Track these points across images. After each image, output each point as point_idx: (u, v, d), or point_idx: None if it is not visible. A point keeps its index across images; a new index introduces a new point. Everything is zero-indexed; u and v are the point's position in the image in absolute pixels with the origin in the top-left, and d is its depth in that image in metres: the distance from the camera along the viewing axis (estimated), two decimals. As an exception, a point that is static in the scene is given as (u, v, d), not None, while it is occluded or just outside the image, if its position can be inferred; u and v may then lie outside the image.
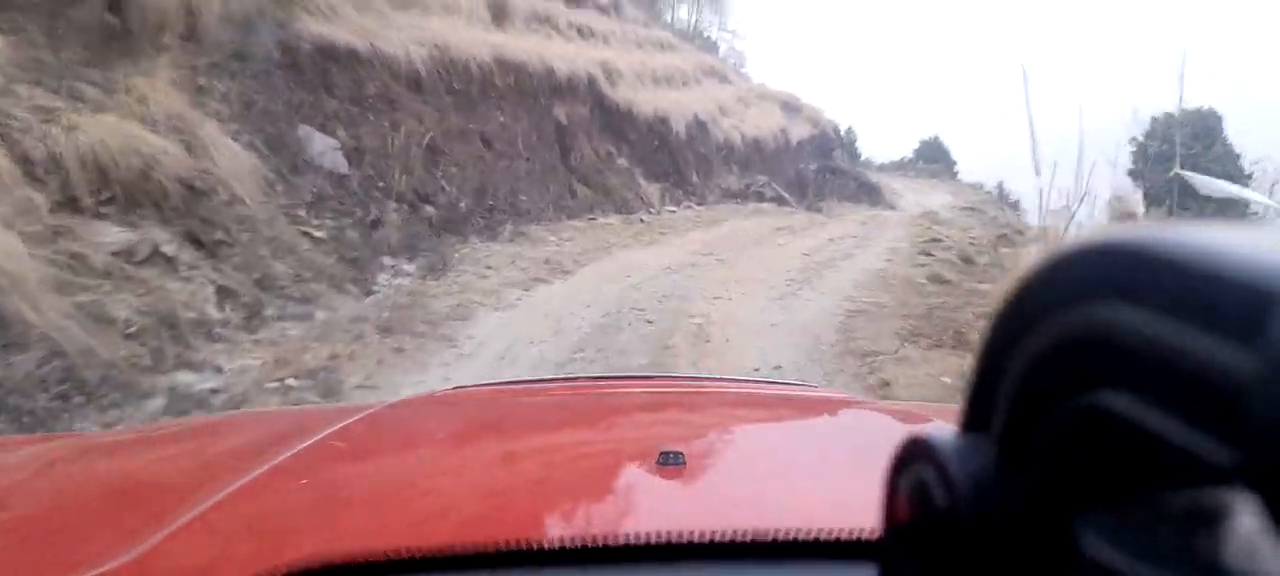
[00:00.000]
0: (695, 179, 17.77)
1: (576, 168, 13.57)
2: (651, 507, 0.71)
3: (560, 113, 13.64)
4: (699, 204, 17.07)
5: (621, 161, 15.10)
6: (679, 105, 18.28)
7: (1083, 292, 0.22)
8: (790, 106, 29.18)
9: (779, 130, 25.68)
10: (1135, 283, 0.20)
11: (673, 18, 35.00)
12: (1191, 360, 0.18)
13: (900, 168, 38.99)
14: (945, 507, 0.24)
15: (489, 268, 8.03)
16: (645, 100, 16.57)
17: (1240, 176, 24.33)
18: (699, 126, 18.76)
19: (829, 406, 1.39)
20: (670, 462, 0.74)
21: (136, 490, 0.91)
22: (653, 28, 25.48)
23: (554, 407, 1.33)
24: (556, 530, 0.61)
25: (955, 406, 0.36)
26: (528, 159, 11.78)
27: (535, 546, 0.56)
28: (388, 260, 7.80)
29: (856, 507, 0.56)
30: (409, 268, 7.70)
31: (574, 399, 1.40)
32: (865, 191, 25.99)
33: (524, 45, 12.52)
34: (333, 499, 0.77)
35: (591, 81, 14.77)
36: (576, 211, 12.39)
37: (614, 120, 15.39)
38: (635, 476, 0.79)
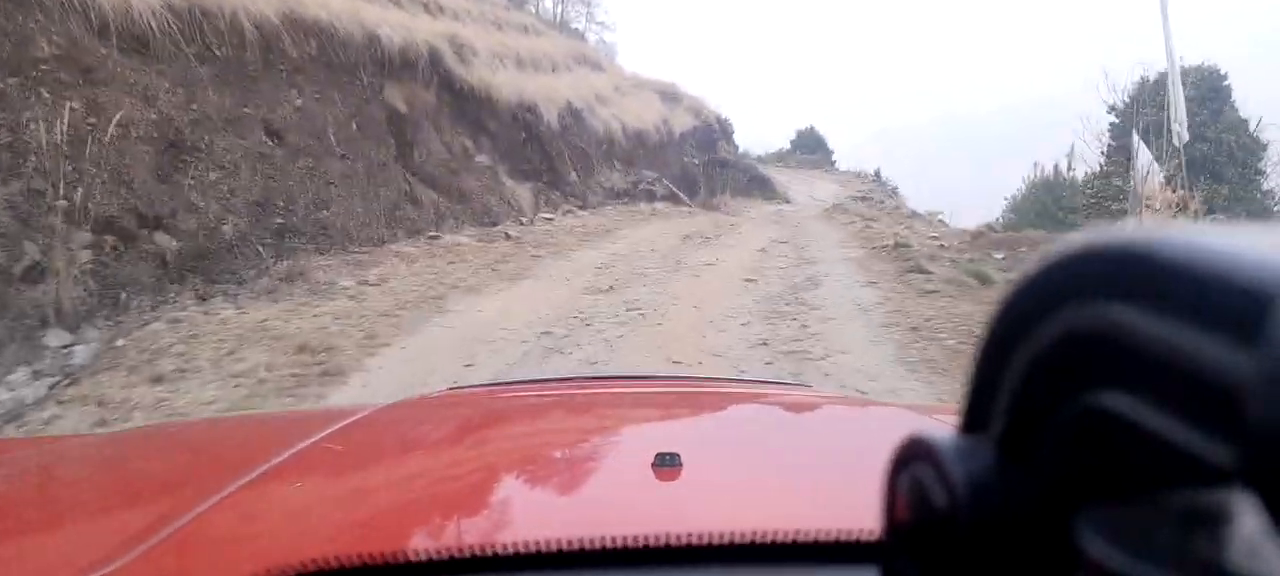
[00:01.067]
0: (573, 177, 14.73)
1: (420, 168, 10.25)
2: (648, 509, 0.69)
3: (395, 96, 10.28)
4: (581, 207, 14.06)
5: (481, 158, 11.87)
6: (549, 91, 15.18)
7: (1082, 293, 0.21)
8: (670, 96, 26.55)
9: (661, 121, 22.95)
10: (1135, 283, 0.20)
11: (537, 9, 32.09)
12: (1191, 360, 0.18)
13: (779, 159, 37.41)
14: (944, 508, 0.24)
15: (182, 354, 4.30)
16: (507, 84, 13.35)
17: (1258, 150, 20.22)
18: (574, 116, 15.73)
19: (827, 406, 1.40)
20: (667, 464, 0.72)
21: (136, 491, 0.90)
22: (514, 12, 22.31)
23: (550, 409, 1.31)
24: (553, 532, 0.57)
25: (955, 407, 0.33)
26: (345, 156, 8.38)
27: (531, 548, 0.55)
28: (53, 338, 4.35)
29: (855, 508, 0.56)
30: (81, 352, 4.28)
31: (570, 400, 1.39)
32: (757, 184, 23.71)
33: (333, 4, 9.08)
34: (330, 500, 0.76)
35: (436, 58, 11.44)
36: (420, 225, 9.09)
37: (469, 107, 12.14)
38: (631, 478, 0.77)
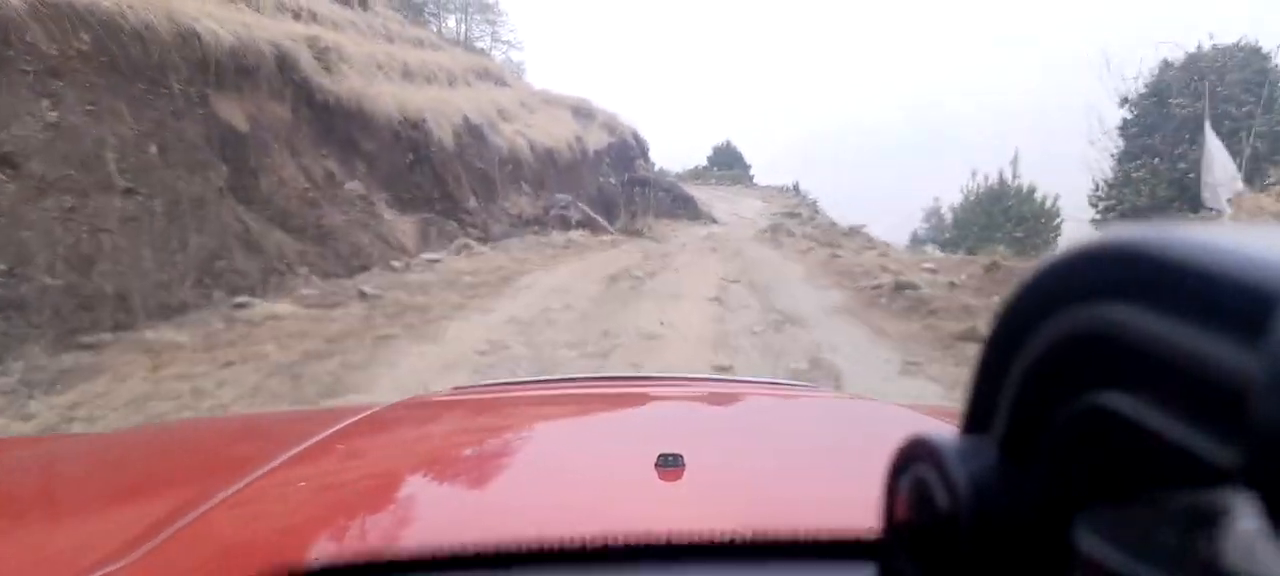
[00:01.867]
0: (472, 204, 12.51)
1: (268, 200, 7.93)
2: (651, 508, 0.68)
3: (230, 110, 7.90)
4: (482, 239, 11.87)
5: (352, 185, 9.56)
6: (441, 105, 12.93)
7: (1084, 293, 0.21)
8: (583, 112, 24.53)
9: (574, 138, 20.88)
10: (1137, 283, 0.20)
11: (440, 29, 29.76)
12: (1193, 361, 0.18)
13: (697, 175, 35.94)
14: (946, 508, 0.24)
15: None
16: (387, 96, 11.07)
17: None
18: (473, 133, 13.52)
19: (829, 406, 1.41)
20: (669, 464, 0.72)
21: (138, 491, 0.90)
22: (410, 28, 19.97)
23: (553, 408, 1.30)
24: (555, 531, 0.56)
25: (956, 407, 0.35)
26: (132, 192, 5.98)
27: (534, 548, 0.55)
28: None
29: (856, 507, 0.54)
30: None
31: (574, 399, 1.39)
32: (680, 204, 21.89)
33: (125, -12, 6.67)
34: (332, 500, 0.76)
35: (287, 64, 9.09)
36: (252, 280, 6.75)
37: (337, 123, 9.82)
38: (634, 477, 0.76)
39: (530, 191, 15.35)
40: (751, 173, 40.39)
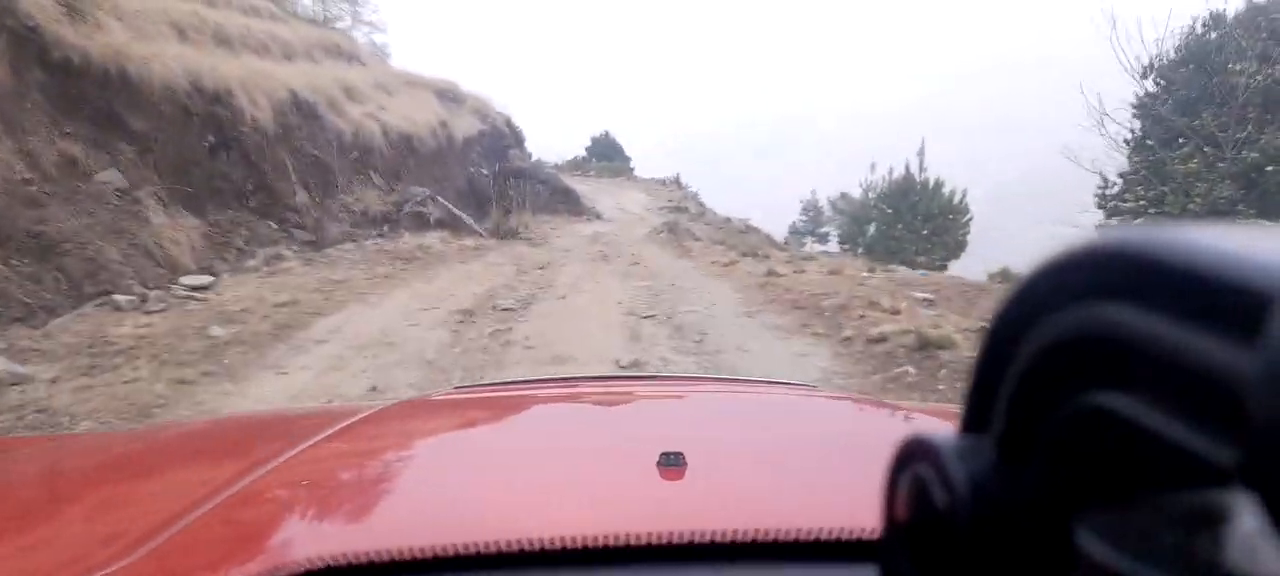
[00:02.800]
0: (301, 199, 9.92)
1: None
2: (653, 508, 0.68)
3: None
4: (311, 245, 9.33)
5: (108, 176, 6.87)
6: (261, 78, 10.23)
7: (1083, 293, 0.21)
8: (450, 96, 21.86)
9: (438, 124, 18.26)
10: (1135, 283, 0.20)
11: (297, 8, 26.24)
12: (1192, 360, 0.18)
13: (576, 167, 33.84)
14: (945, 508, 0.24)
15: None
16: (169, 61, 8.35)
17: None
18: (304, 114, 10.84)
19: (828, 405, 1.40)
20: (671, 463, 0.72)
21: (138, 492, 0.89)
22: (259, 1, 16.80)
23: (554, 408, 1.29)
24: (557, 531, 0.56)
25: (956, 407, 0.34)
26: None
27: (536, 547, 0.54)
28: None
29: (856, 507, 0.56)
30: None
31: (574, 400, 1.38)
32: (559, 198, 19.71)
33: None
34: (332, 500, 0.75)
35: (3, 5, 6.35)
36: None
37: (89, 93, 7.12)
38: (636, 477, 0.76)
39: (382, 184, 12.78)
40: (632, 165, 38.60)
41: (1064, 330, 0.22)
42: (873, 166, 21.72)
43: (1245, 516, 0.18)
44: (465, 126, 20.84)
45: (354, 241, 10.03)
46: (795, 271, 8.97)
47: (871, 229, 20.60)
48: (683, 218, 17.79)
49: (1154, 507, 0.20)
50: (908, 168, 20.31)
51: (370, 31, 32.23)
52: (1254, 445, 0.16)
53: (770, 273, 8.63)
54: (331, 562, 0.53)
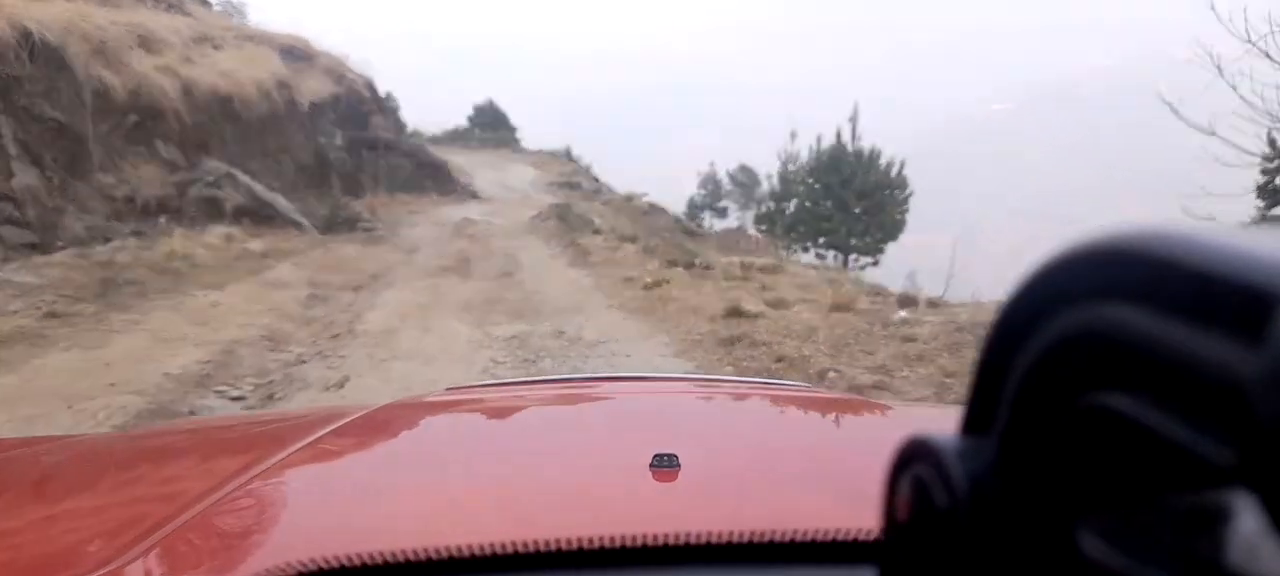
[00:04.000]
0: (22, 184, 6.79)
1: None
2: (646, 509, 0.67)
3: None
4: (38, 248, 6.32)
5: None
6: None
7: (1084, 293, 0.21)
8: (297, 54, 18.35)
9: (274, 85, 14.91)
10: (1137, 283, 0.20)
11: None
12: (1193, 360, 0.18)
13: (456, 138, 30.59)
14: (945, 508, 0.24)
15: None
16: None
17: None
18: (42, 61, 7.66)
19: (827, 405, 1.35)
20: (664, 464, 0.70)
21: (135, 493, 0.89)
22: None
23: (548, 409, 1.27)
24: (550, 532, 0.56)
25: (956, 407, 0.34)
26: None
27: (529, 549, 0.54)
28: None
29: (855, 508, 0.56)
30: None
31: (568, 400, 1.36)
32: (428, 173, 16.71)
33: None
34: (329, 501, 0.75)
35: None
36: None
37: None
38: (629, 478, 0.74)
39: (177, 158, 9.63)
40: (518, 136, 35.46)
41: (1066, 330, 0.21)
42: (794, 135, 19.39)
43: (1246, 517, 0.18)
44: (315, 88, 17.42)
45: (108, 239, 6.98)
46: (772, 302, 5.86)
47: (791, 206, 18.43)
48: (576, 198, 15.22)
49: (1155, 508, 0.20)
50: (838, 136, 17.82)
51: (222, -10, 27.68)
52: (1256, 446, 0.16)
53: (734, 311, 5.37)
54: (324, 564, 0.52)
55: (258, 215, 8.42)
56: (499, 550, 0.53)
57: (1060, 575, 0.22)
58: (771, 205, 19.36)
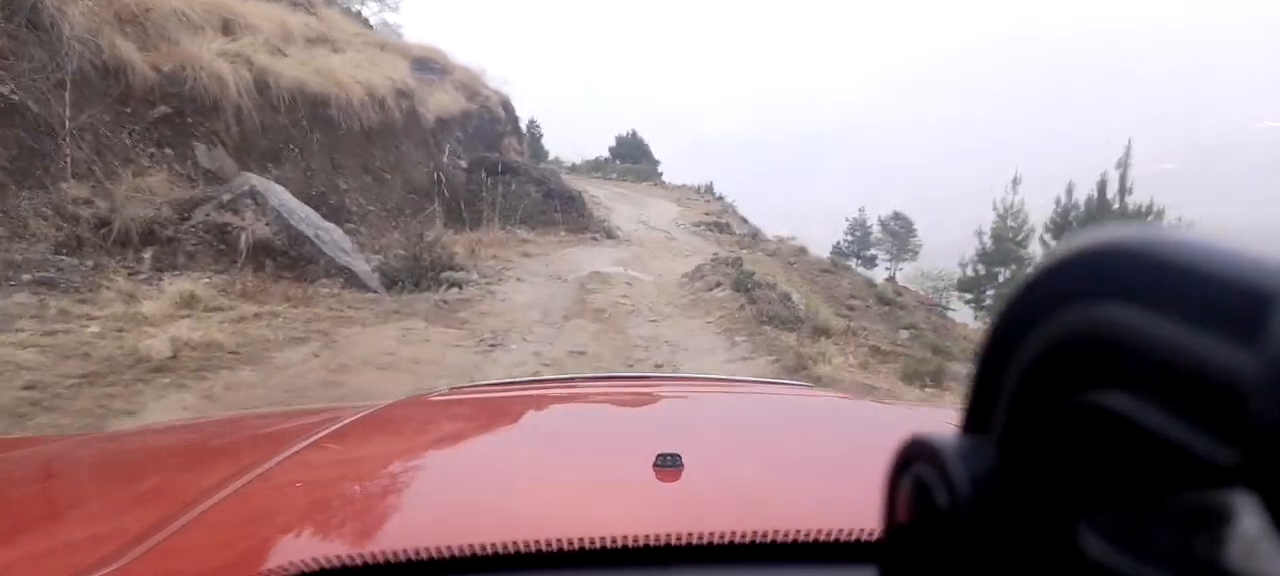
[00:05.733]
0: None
1: None
2: (650, 509, 0.66)
3: None
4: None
5: None
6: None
7: (1083, 293, 0.21)
8: (429, 65, 16.05)
9: (394, 92, 12.43)
10: (1136, 283, 0.19)
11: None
12: (1192, 360, 0.18)
13: (596, 168, 28.05)
14: (946, 508, 0.23)
15: None
16: None
17: None
18: (15, 11, 5.14)
19: (828, 406, 1.36)
20: (668, 464, 0.69)
21: (138, 491, 0.87)
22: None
23: (552, 409, 1.25)
24: (554, 532, 0.55)
25: (956, 407, 0.33)
26: None
27: (532, 549, 0.53)
28: None
29: (856, 508, 0.55)
30: None
31: (571, 400, 1.33)
32: (558, 205, 13.86)
33: None
34: (331, 500, 0.72)
35: None
36: None
37: None
38: (633, 478, 0.73)
39: (227, 165, 6.98)
40: (660, 169, 32.52)
41: (1065, 330, 0.21)
42: (1016, 183, 14.88)
43: (1246, 516, 0.18)
44: (443, 103, 14.90)
45: (40, 289, 4.12)
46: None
47: (1005, 273, 14.18)
48: (732, 244, 11.79)
49: (1155, 507, 0.20)
50: (1102, 189, 13.38)
51: (380, 10, 26.37)
52: (1254, 445, 0.16)
53: None
54: (327, 564, 0.51)
55: (286, 256, 5.51)
56: (502, 550, 0.52)
57: (1061, 574, 0.22)
58: (979, 269, 15.02)
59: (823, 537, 0.53)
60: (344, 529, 0.63)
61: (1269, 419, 0.15)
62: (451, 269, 6.40)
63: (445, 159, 14.11)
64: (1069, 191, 13.56)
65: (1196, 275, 0.18)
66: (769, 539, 0.53)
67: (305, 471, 0.81)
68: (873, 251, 34.72)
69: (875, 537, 0.50)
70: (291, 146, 8.58)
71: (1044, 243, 14.14)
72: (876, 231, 36.24)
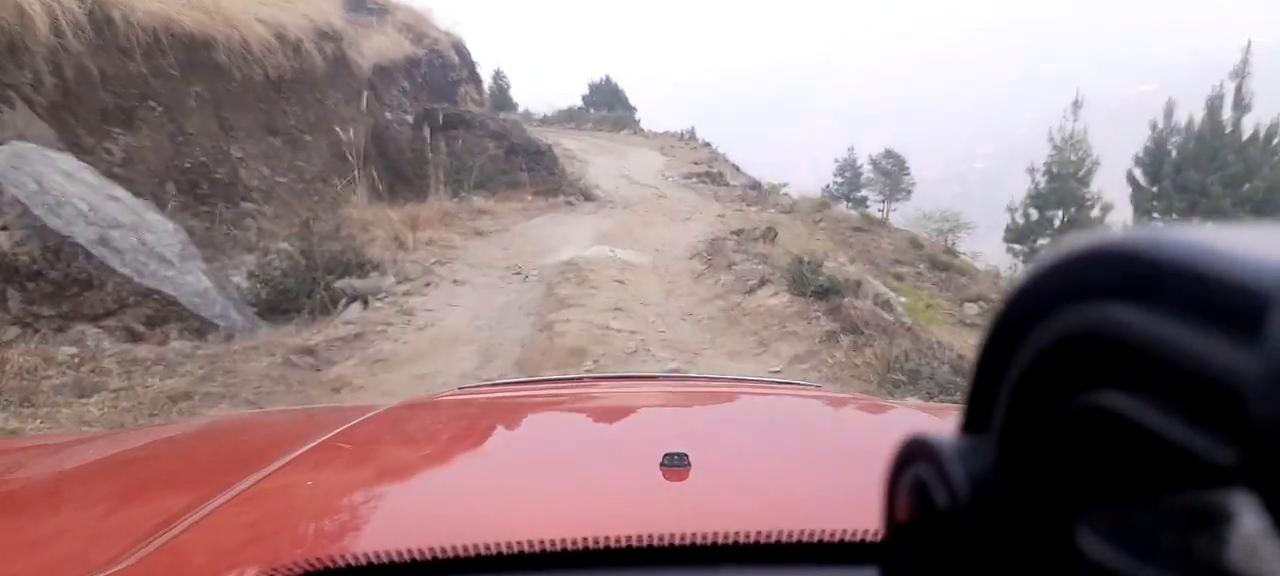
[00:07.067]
0: None
1: None
2: (656, 509, 0.66)
3: None
4: None
5: None
6: None
7: (1083, 293, 0.21)
8: (365, 4, 13.69)
9: (314, 32, 10.15)
10: (1136, 283, 0.19)
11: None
12: (1192, 360, 0.18)
13: (569, 118, 25.71)
14: (946, 508, 0.23)
15: None
16: None
17: None
18: None
19: (830, 405, 1.36)
20: (675, 464, 0.70)
21: (142, 491, 0.87)
22: None
23: (559, 408, 1.26)
24: (561, 531, 0.55)
25: (957, 407, 0.34)
26: None
27: (538, 549, 0.53)
28: None
29: (858, 508, 0.55)
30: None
31: (579, 399, 1.34)
32: (526, 161, 11.67)
33: None
34: (335, 500, 0.72)
35: None
36: None
37: None
38: (640, 478, 0.74)
39: (46, 133, 4.84)
40: (637, 116, 30.10)
41: (1065, 330, 0.21)
42: (1077, 106, 12.52)
43: (1246, 516, 0.18)
44: (382, 47, 12.51)
45: None
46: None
47: (1060, 216, 12.09)
48: (737, 202, 9.70)
49: (1155, 507, 0.20)
50: (1210, 111, 10.85)
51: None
52: (1254, 445, 0.16)
53: None
54: (331, 563, 0.52)
55: (41, 280, 3.33)
56: (507, 549, 0.52)
57: (1060, 574, 0.22)
58: (1032, 213, 12.91)
59: (826, 537, 0.53)
60: (349, 528, 0.62)
61: (1269, 419, 0.16)
62: (360, 268, 4.32)
63: (390, 114, 11.88)
64: (1168, 113, 11.34)
65: (1196, 275, 0.18)
66: (773, 539, 0.53)
67: (312, 471, 0.80)
68: (864, 192, 32.82)
69: (877, 538, 0.49)
70: (151, 104, 6.35)
71: (1133, 179, 11.94)
72: (867, 171, 34.33)
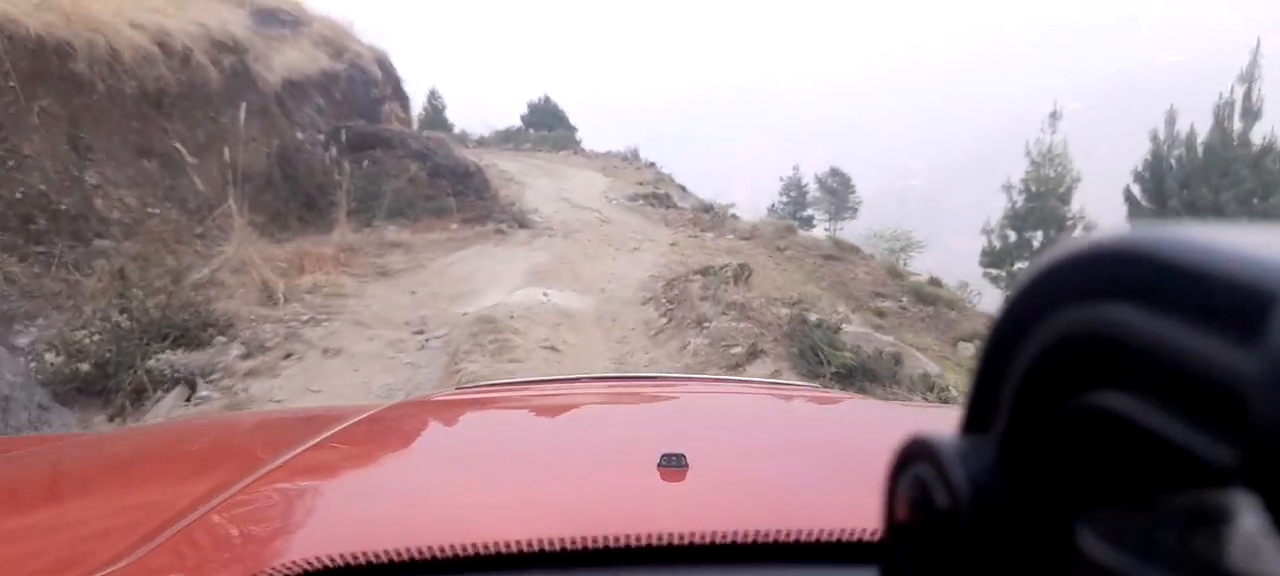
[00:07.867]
0: None
1: None
2: (654, 509, 0.66)
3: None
4: None
5: None
6: None
7: (1083, 293, 0.21)
8: (279, 17, 12.52)
9: (209, 42, 9.00)
10: (1136, 283, 0.19)
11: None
12: (1192, 360, 0.18)
13: (508, 139, 24.62)
14: (946, 508, 0.23)
15: None
16: None
17: None
18: None
19: (830, 405, 1.35)
20: (672, 464, 0.69)
21: (139, 491, 0.87)
22: None
23: (556, 409, 1.25)
24: (558, 531, 0.55)
25: (957, 407, 0.35)
26: None
27: (535, 548, 0.53)
28: None
29: (858, 508, 0.56)
30: None
31: (575, 400, 1.34)
32: (453, 185, 10.58)
33: None
34: (335, 499, 0.73)
35: None
36: None
37: None
38: (637, 477, 0.73)
39: None
40: (578, 137, 29.15)
41: (1065, 330, 0.21)
42: (1055, 118, 11.88)
43: (1246, 516, 0.18)
44: (294, 61, 11.33)
45: None
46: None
47: (1040, 237, 11.42)
48: (689, 226, 8.83)
49: (1155, 508, 0.20)
50: (1218, 119, 10.35)
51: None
52: (1254, 445, 0.16)
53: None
54: (329, 563, 0.52)
55: None
56: (503, 549, 0.52)
57: (1060, 574, 0.22)
58: (1009, 235, 12.21)
59: (824, 537, 0.53)
60: (346, 527, 0.62)
61: (1269, 419, 0.16)
62: (203, 331, 3.27)
63: (301, 134, 10.70)
64: (1170, 121, 10.78)
65: (1196, 275, 0.18)
66: (772, 539, 0.53)
67: (310, 471, 0.80)
68: (810, 211, 32.52)
69: (877, 538, 0.49)
70: (24, 121, 5.15)
71: (1131, 197, 11.24)
72: (813, 190, 34.05)
